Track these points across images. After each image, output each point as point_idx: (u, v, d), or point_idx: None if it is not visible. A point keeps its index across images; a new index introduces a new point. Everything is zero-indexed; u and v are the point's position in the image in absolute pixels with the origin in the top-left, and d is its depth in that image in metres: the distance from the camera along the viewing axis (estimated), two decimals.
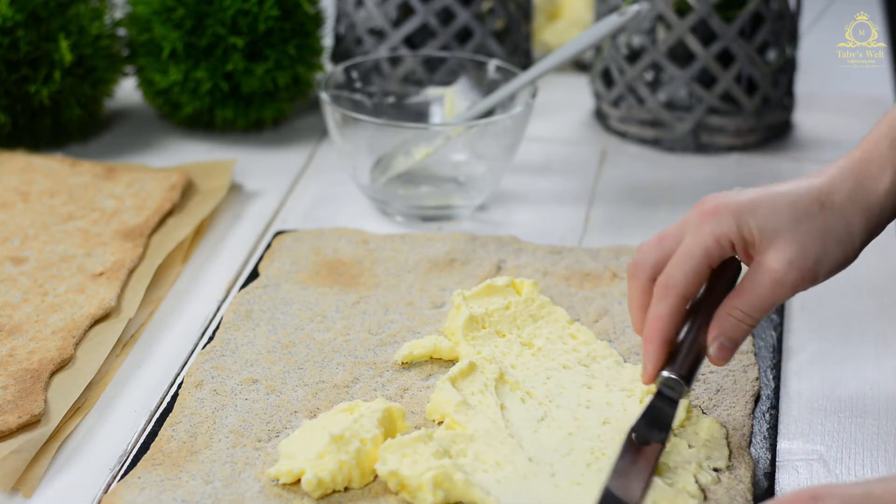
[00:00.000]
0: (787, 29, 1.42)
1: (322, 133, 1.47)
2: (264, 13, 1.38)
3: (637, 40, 1.43)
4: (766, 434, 1.00)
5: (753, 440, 0.99)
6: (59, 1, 1.37)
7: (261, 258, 1.21)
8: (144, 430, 1.02)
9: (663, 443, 0.92)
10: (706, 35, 1.39)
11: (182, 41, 1.38)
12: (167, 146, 1.44)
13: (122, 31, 1.45)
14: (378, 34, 1.48)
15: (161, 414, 1.02)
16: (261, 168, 1.40)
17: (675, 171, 1.41)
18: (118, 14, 1.45)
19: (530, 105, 1.28)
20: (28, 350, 1.07)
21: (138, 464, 0.95)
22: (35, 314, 1.11)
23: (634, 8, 1.28)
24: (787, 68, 1.44)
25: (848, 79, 1.58)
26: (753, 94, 1.42)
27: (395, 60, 1.42)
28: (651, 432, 0.93)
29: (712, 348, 0.94)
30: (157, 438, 0.98)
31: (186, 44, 1.39)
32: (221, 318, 1.12)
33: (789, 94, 1.46)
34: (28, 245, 1.21)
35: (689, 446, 0.97)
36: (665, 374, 0.95)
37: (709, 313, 0.95)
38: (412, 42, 1.48)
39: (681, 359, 0.95)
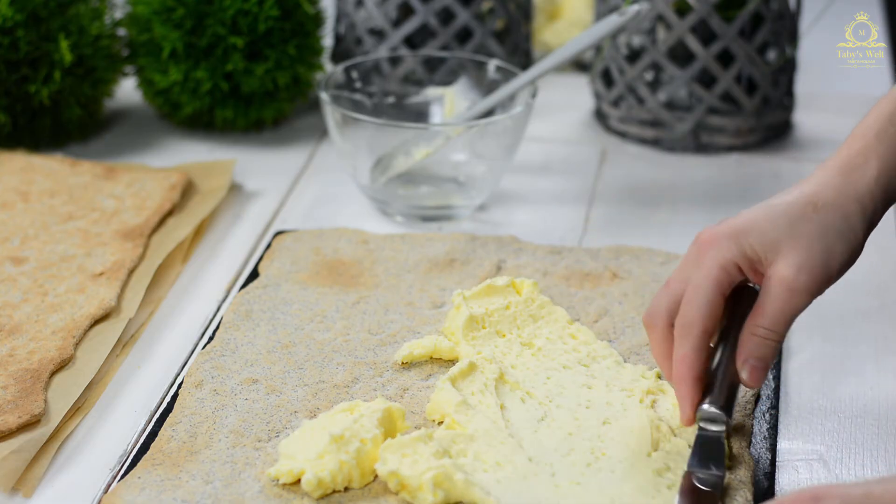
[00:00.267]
0: (787, 29, 1.42)
1: (322, 133, 1.47)
2: (264, 13, 1.38)
3: (637, 40, 1.43)
4: (766, 434, 1.00)
5: (753, 440, 0.99)
6: (59, 1, 1.37)
7: (261, 258, 1.21)
8: (144, 430, 1.02)
9: (723, 478, 0.92)
10: (706, 35, 1.39)
11: (182, 41, 1.38)
12: (167, 146, 1.44)
13: (122, 31, 1.45)
14: (378, 34, 1.48)
15: (161, 414, 1.02)
16: (261, 168, 1.40)
17: (675, 171, 1.41)
18: (118, 14, 1.45)
19: (530, 105, 1.28)
20: (28, 350, 1.07)
21: (138, 464, 0.95)
22: (35, 314, 1.11)
23: (634, 8, 1.28)
24: (787, 68, 1.44)
25: (848, 79, 1.58)
26: (753, 94, 1.42)
27: (395, 60, 1.42)
28: (709, 470, 0.92)
29: (744, 372, 0.94)
30: (157, 438, 0.98)
31: (186, 44, 1.39)
32: (221, 318, 1.12)
33: (789, 94, 1.46)
34: (28, 245, 1.21)
35: (689, 446, 0.97)
36: (704, 407, 0.94)
37: (734, 343, 0.95)
38: (412, 42, 1.48)
39: (716, 391, 0.94)
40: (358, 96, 1.35)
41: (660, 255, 1.21)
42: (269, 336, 1.09)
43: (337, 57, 1.53)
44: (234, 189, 1.35)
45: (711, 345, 0.96)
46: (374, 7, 1.47)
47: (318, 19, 1.45)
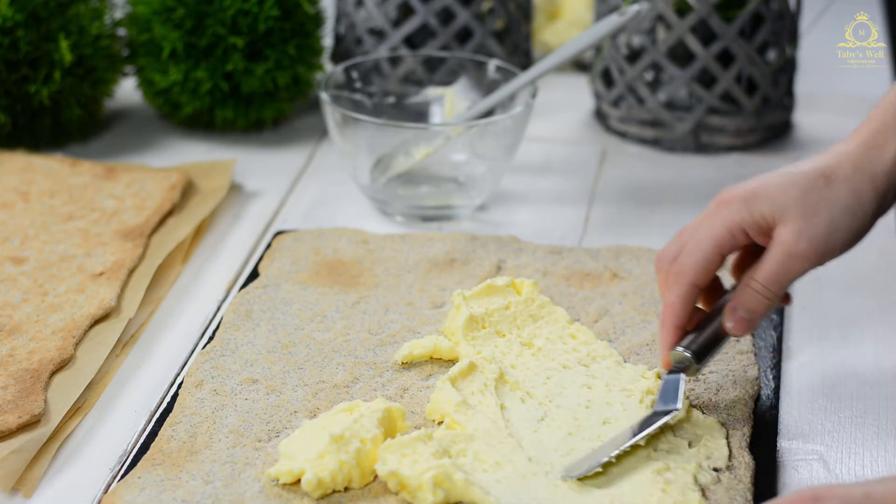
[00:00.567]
0: (787, 29, 1.42)
1: (322, 133, 1.47)
2: (264, 13, 1.38)
3: (637, 40, 1.43)
4: (767, 434, 1.00)
5: (753, 440, 0.99)
6: (59, 1, 1.37)
7: (261, 258, 1.21)
8: (144, 430, 1.02)
9: (671, 413, 0.96)
10: (706, 35, 1.39)
11: (182, 41, 1.38)
12: (167, 146, 1.44)
13: (122, 31, 1.45)
14: (378, 34, 1.48)
15: (161, 414, 1.02)
16: (261, 168, 1.40)
17: (675, 171, 1.41)
18: (118, 14, 1.45)
19: (530, 105, 1.28)
20: (28, 350, 1.07)
21: (138, 464, 0.95)
22: (35, 314, 1.11)
23: (634, 8, 1.28)
24: (787, 68, 1.44)
25: (848, 79, 1.58)
26: (753, 94, 1.42)
27: (395, 60, 1.42)
28: (664, 406, 0.97)
29: (729, 319, 0.97)
30: (157, 438, 0.98)
31: (186, 44, 1.39)
32: (221, 318, 1.12)
33: (789, 94, 1.46)
34: (28, 245, 1.21)
35: (690, 446, 0.97)
36: (675, 349, 0.98)
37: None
38: (412, 42, 1.48)
39: (692, 337, 0.98)
40: (358, 96, 1.35)
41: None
42: (269, 336, 1.09)
43: (337, 57, 1.53)
44: (234, 189, 1.35)
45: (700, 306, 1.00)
46: (374, 7, 1.47)
47: (318, 19, 1.45)
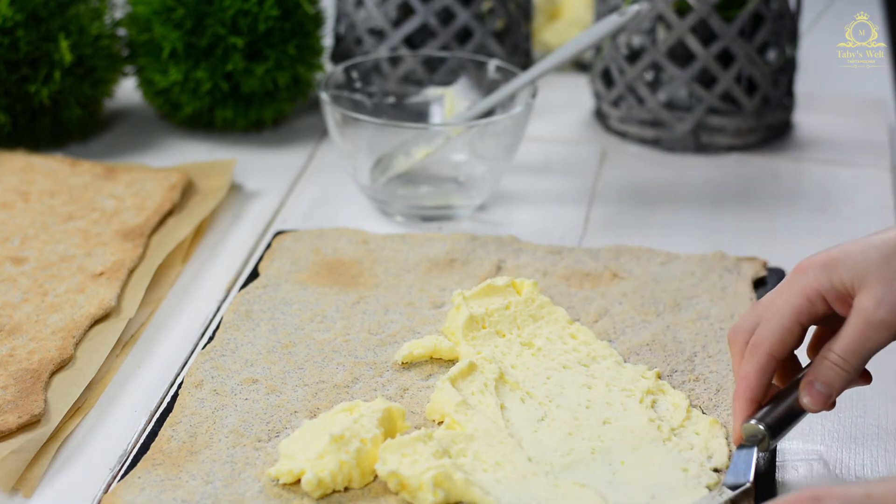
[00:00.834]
0: (787, 29, 1.42)
1: (322, 133, 1.47)
2: (264, 13, 1.38)
3: (637, 40, 1.43)
4: None
5: None
6: (59, 1, 1.37)
7: (261, 258, 1.21)
8: (144, 430, 1.02)
9: (745, 485, 0.92)
10: (706, 35, 1.39)
11: (182, 41, 1.38)
12: (167, 146, 1.44)
13: (122, 31, 1.45)
14: (378, 34, 1.48)
15: (161, 414, 1.02)
16: (261, 168, 1.40)
17: (675, 171, 1.41)
18: (118, 14, 1.45)
19: (530, 105, 1.28)
20: (28, 350, 1.07)
21: (138, 464, 0.95)
22: (35, 314, 1.11)
23: (634, 8, 1.28)
24: (787, 68, 1.44)
25: (848, 79, 1.58)
26: (753, 94, 1.42)
27: (395, 60, 1.42)
28: (735, 479, 0.93)
29: (805, 393, 0.93)
30: (157, 438, 0.98)
31: (186, 44, 1.39)
32: (221, 318, 1.12)
33: (789, 94, 1.46)
34: (28, 245, 1.21)
35: (690, 447, 0.97)
36: (748, 423, 0.94)
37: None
38: (412, 42, 1.48)
39: (766, 409, 0.94)
40: (358, 96, 1.35)
41: (660, 255, 1.21)
42: (269, 336, 1.09)
43: (337, 57, 1.53)
44: (234, 189, 1.35)
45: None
46: (374, 7, 1.47)
47: (318, 19, 1.45)
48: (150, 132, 1.46)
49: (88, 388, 1.05)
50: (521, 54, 1.53)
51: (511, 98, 1.30)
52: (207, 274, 1.22)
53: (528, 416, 0.99)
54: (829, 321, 0.95)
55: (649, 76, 1.43)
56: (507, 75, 1.34)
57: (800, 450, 1.01)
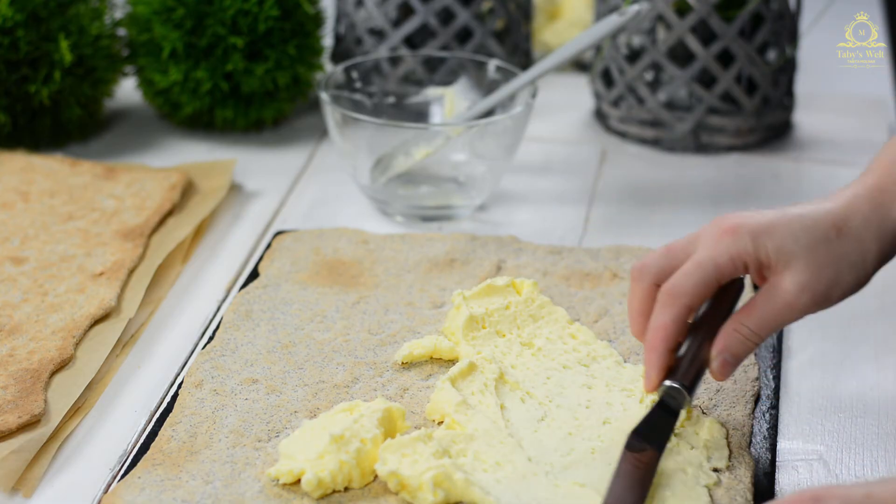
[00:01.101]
0: (787, 29, 1.42)
1: (322, 133, 1.47)
2: (264, 13, 1.38)
3: (637, 40, 1.43)
4: (766, 434, 1.00)
5: (753, 440, 0.99)
6: (59, 1, 1.37)
7: (261, 258, 1.21)
8: (144, 430, 1.02)
9: (659, 451, 0.92)
10: (706, 35, 1.39)
11: (182, 41, 1.38)
12: (167, 146, 1.44)
13: (122, 31, 1.45)
14: (378, 34, 1.48)
15: (161, 414, 1.02)
16: (261, 168, 1.40)
17: (675, 171, 1.41)
18: (118, 14, 1.45)
19: (530, 105, 1.28)
20: (28, 350, 1.07)
21: (138, 464, 0.95)
22: (35, 314, 1.11)
23: (634, 8, 1.28)
24: (787, 68, 1.44)
25: (848, 79, 1.58)
26: (753, 94, 1.42)
27: (395, 60, 1.42)
28: (649, 439, 0.93)
29: (715, 363, 0.95)
30: (157, 438, 0.98)
31: (186, 44, 1.39)
32: (221, 318, 1.12)
33: (789, 94, 1.46)
34: (28, 245, 1.21)
35: (690, 447, 0.97)
36: (668, 382, 0.95)
37: (711, 329, 0.95)
38: (412, 42, 1.48)
39: (684, 369, 0.95)
40: (358, 96, 1.35)
41: None
42: (269, 336, 1.09)
43: (337, 57, 1.53)
44: (234, 189, 1.35)
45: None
46: (374, 7, 1.47)
47: (318, 19, 1.45)
48: (150, 132, 1.46)
49: (88, 388, 1.05)
50: (521, 54, 1.53)
51: (511, 98, 1.30)
52: (207, 274, 1.22)
53: (528, 416, 0.99)
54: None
55: (649, 76, 1.43)
56: (507, 75, 1.34)
57: (800, 450, 1.01)
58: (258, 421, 0.99)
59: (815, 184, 1.38)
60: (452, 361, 1.06)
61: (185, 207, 1.29)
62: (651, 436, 0.93)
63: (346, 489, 0.93)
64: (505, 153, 1.29)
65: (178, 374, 1.08)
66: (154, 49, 1.41)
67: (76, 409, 1.03)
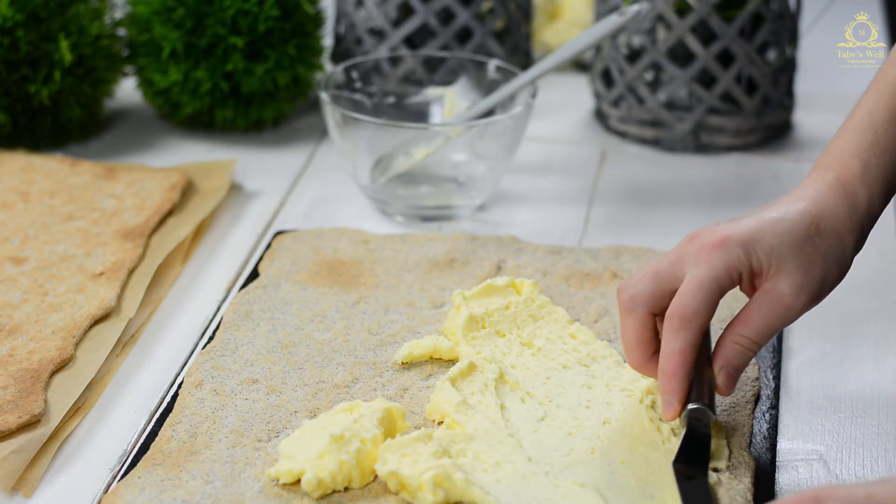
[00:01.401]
0: (787, 29, 1.42)
1: (322, 133, 1.47)
2: (264, 13, 1.38)
3: (637, 40, 1.43)
4: (766, 434, 1.00)
5: (753, 440, 0.99)
6: (59, 1, 1.37)
7: (261, 258, 1.21)
8: (144, 430, 1.02)
9: (705, 475, 0.92)
10: (706, 35, 1.39)
11: (182, 41, 1.38)
12: (167, 146, 1.44)
13: (122, 31, 1.45)
14: (378, 34, 1.48)
15: (161, 414, 1.02)
16: (261, 168, 1.40)
17: (675, 171, 1.41)
18: (118, 14, 1.45)
19: (530, 105, 1.28)
20: (28, 350, 1.07)
21: (138, 464, 0.95)
22: (35, 314, 1.11)
23: (634, 8, 1.28)
24: (787, 68, 1.44)
25: (848, 79, 1.58)
26: (753, 94, 1.42)
27: (395, 60, 1.42)
28: (693, 466, 0.92)
29: (720, 378, 0.94)
30: (157, 438, 0.98)
31: (186, 44, 1.39)
32: (221, 318, 1.12)
33: (789, 94, 1.46)
34: (28, 245, 1.21)
35: None
36: (691, 406, 0.94)
37: (704, 343, 0.95)
38: (412, 42, 1.48)
39: (698, 388, 0.94)
40: (358, 96, 1.35)
41: (660, 255, 1.20)
42: (269, 336, 1.09)
43: (337, 57, 1.53)
44: (234, 189, 1.35)
45: None
46: (374, 7, 1.47)
47: (318, 19, 1.45)
48: (150, 132, 1.46)
49: (88, 388, 1.05)
50: (521, 54, 1.53)
51: (511, 98, 1.30)
52: (207, 274, 1.22)
53: (528, 416, 0.99)
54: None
55: (649, 76, 1.43)
56: (507, 75, 1.34)
57: (800, 450, 1.01)
58: (258, 421, 0.99)
59: None
60: (452, 361, 1.06)
61: (185, 207, 1.29)
62: (695, 463, 0.92)
63: (346, 489, 0.93)
64: (505, 153, 1.29)
65: (178, 374, 1.08)
66: (154, 49, 1.41)
67: (76, 409, 1.03)
